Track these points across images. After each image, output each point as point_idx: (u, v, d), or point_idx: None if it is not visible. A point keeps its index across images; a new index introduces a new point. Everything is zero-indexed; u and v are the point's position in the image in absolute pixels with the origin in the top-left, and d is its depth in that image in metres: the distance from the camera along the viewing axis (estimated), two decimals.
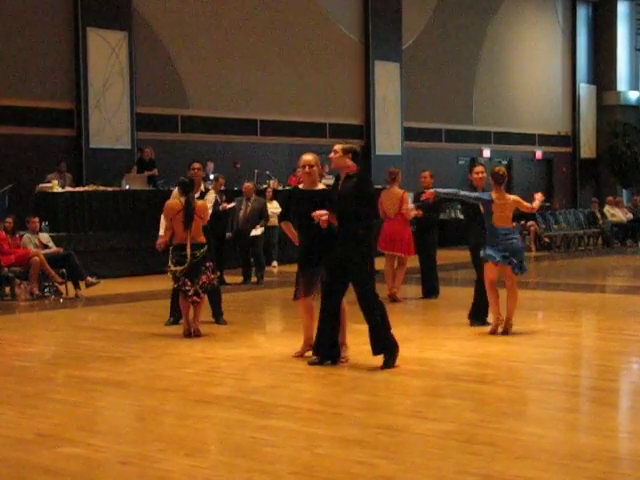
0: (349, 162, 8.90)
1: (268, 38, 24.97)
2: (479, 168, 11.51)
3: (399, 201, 13.98)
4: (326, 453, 6.04)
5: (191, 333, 10.97)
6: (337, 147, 9.03)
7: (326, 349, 9.09)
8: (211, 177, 18.82)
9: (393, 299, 13.75)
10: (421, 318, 12.66)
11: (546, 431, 6.56)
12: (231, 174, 20.95)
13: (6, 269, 15.00)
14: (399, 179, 14.29)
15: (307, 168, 9.15)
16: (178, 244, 10.93)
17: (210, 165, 20.77)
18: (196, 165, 11.91)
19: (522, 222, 24.76)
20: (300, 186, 9.43)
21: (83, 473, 5.75)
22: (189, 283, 10.83)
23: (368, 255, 9.00)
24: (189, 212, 10.91)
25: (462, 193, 10.98)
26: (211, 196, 12.02)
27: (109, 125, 21.19)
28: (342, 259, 8.90)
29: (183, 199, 11.05)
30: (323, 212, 8.79)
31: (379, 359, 8.93)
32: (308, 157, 9.25)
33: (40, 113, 20.67)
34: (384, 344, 8.92)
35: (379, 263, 15.85)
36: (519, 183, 30.80)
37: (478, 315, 11.29)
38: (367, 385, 8.36)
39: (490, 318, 11.08)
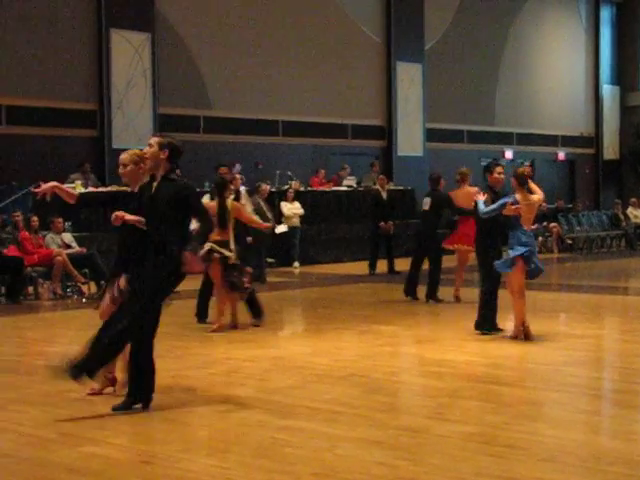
0: (164, 160, 7.47)
1: (290, 39, 25.00)
2: (500, 168, 11.40)
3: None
4: (347, 454, 6.04)
5: (237, 325, 11.63)
6: (153, 140, 7.56)
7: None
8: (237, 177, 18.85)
9: (456, 299, 13.98)
10: (441, 319, 12.63)
11: (568, 434, 6.54)
12: (253, 175, 20.97)
13: (29, 269, 15.08)
14: (469, 179, 14.34)
15: (120, 169, 7.88)
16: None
17: (237, 166, 20.82)
18: (223, 169, 12.06)
19: (544, 223, 24.70)
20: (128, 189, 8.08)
21: (105, 472, 5.78)
22: (240, 277, 11.44)
23: (167, 279, 7.31)
24: (222, 213, 11.23)
25: (486, 210, 10.70)
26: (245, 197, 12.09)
27: (132, 126, 21.28)
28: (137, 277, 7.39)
29: (217, 200, 11.58)
30: (121, 214, 7.41)
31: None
32: (123, 155, 7.91)
33: (63, 114, 20.77)
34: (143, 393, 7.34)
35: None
36: (541, 184, 30.62)
37: (486, 323, 11.05)
38: (388, 386, 8.36)
39: (512, 326, 10.89)
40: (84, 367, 7.19)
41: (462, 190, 14.13)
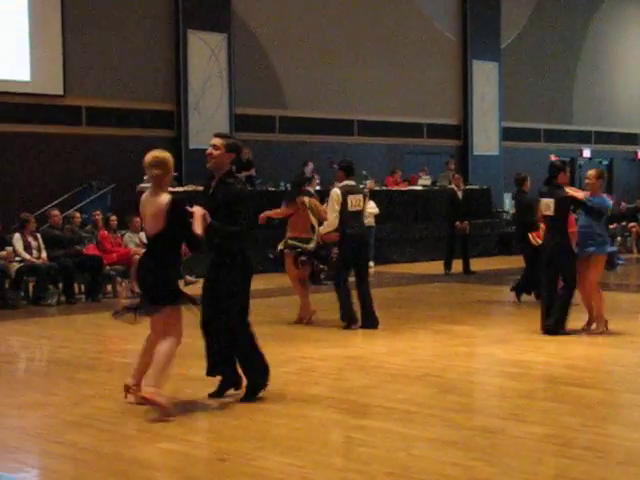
0: (228, 162, 7.48)
1: (366, 38, 24.99)
2: (591, 172, 11.22)
3: None
4: (421, 454, 6.03)
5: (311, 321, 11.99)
6: (218, 141, 7.46)
7: (215, 368, 7.72)
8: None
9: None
10: (517, 319, 12.51)
11: None
12: (328, 174, 21.02)
13: (108, 267, 15.33)
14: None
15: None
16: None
17: (310, 165, 20.93)
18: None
19: (624, 223, 24.32)
20: None
21: (182, 468, 5.85)
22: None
23: (242, 277, 7.48)
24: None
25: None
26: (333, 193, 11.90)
27: (208, 126, 21.44)
28: (215, 280, 7.49)
29: None
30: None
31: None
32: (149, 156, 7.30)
33: (141, 114, 21.07)
34: (252, 380, 7.72)
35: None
36: (620, 184, 30.23)
37: (562, 324, 10.95)
38: (463, 387, 8.31)
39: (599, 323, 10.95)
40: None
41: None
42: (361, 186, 21.24)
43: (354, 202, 11.53)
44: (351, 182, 11.72)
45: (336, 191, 11.57)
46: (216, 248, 7.53)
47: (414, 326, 11.75)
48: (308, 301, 12.09)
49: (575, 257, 10.74)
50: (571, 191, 10.92)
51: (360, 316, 11.62)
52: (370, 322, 11.59)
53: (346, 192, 11.50)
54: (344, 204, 11.44)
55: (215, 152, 7.44)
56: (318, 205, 12.08)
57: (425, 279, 17.95)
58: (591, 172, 11.17)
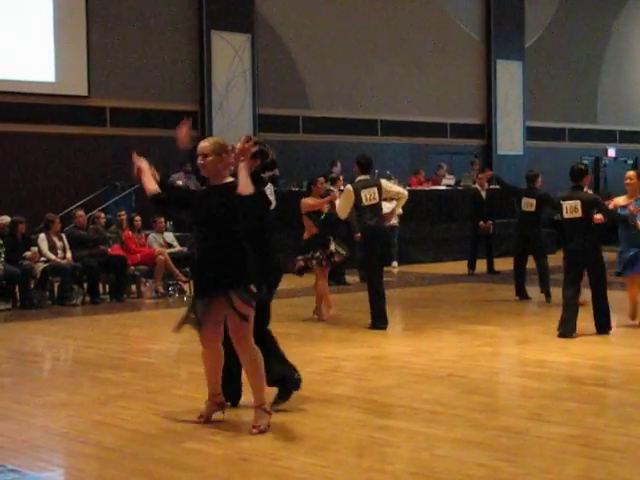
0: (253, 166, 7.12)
1: (389, 38, 24.96)
2: (631, 173, 11.20)
3: None
4: (446, 454, 6.02)
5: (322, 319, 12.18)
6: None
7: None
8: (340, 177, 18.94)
9: None
10: (541, 319, 12.45)
11: None
12: (352, 174, 21.02)
13: (132, 268, 15.38)
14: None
15: (199, 159, 6.79)
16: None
17: (338, 165, 20.99)
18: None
19: None
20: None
21: (205, 468, 5.86)
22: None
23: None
24: None
25: None
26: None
27: (232, 126, 21.51)
28: None
29: None
30: None
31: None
32: (203, 144, 6.83)
33: (165, 115, 21.10)
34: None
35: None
36: None
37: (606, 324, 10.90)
38: (487, 387, 8.29)
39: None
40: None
41: None
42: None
43: (368, 196, 11.50)
44: (366, 177, 11.72)
45: (348, 187, 11.67)
46: None
47: (438, 326, 11.73)
48: (320, 305, 12.24)
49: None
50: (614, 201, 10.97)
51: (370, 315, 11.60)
52: (379, 322, 11.49)
53: (360, 187, 11.50)
54: (358, 200, 11.46)
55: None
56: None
57: (449, 279, 17.91)
58: (631, 173, 11.15)
